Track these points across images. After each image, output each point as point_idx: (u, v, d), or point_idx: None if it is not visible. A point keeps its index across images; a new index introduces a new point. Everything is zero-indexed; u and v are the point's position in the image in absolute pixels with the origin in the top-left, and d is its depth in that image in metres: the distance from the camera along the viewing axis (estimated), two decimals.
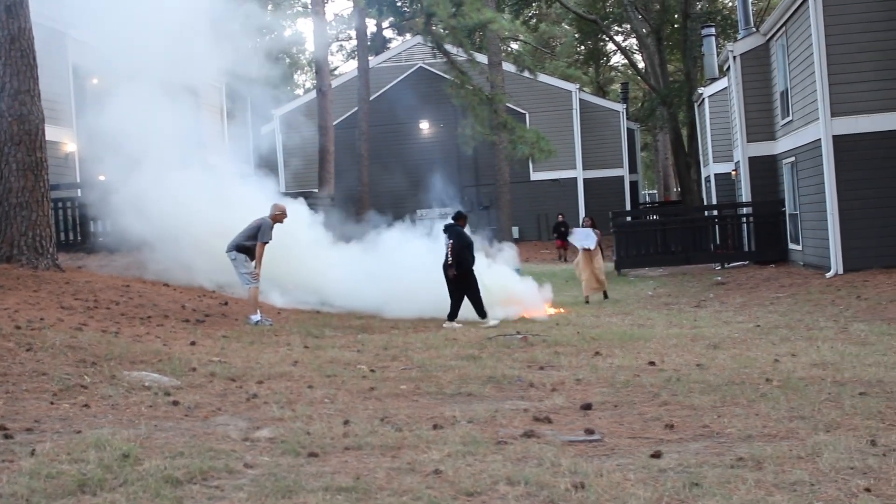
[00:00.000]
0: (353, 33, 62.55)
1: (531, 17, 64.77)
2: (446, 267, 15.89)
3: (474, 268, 16.06)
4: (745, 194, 28.12)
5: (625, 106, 50.87)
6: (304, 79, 79.85)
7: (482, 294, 16.03)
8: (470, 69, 36.37)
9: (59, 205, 21.45)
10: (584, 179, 46.12)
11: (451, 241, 15.80)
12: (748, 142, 27.46)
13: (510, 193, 41.28)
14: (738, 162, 28.97)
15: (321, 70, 34.81)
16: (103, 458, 6.19)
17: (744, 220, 27.94)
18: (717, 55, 37.86)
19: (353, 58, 64.14)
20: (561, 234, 36.83)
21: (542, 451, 6.56)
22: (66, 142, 24.48)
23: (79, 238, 21.81)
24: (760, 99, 27.30)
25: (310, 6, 42.18)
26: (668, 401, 8.40)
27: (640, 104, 63.20)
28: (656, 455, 6.39)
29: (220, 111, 34.17)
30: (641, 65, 58.87)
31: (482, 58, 40.43)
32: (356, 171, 37.25)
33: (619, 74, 75.44)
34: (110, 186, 19.00)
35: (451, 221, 16.23)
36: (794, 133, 23.84)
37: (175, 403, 8.39)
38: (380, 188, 40.17)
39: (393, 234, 18.71)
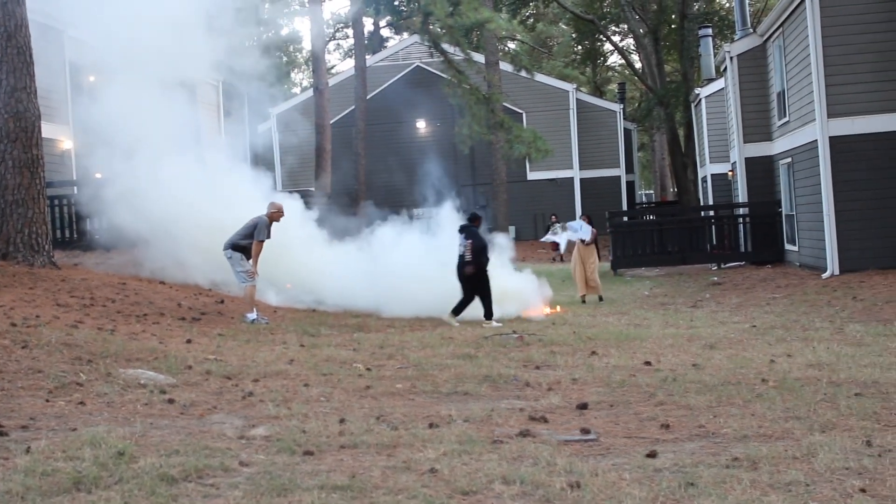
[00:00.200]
0: (350, 32, 62.49)
1: (528, 17, 64.79)
2: (462, 266, 15.97)
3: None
4: (741, 195, 28.13)
5: (622, 106, 50.86)
6: (301, 77, 79.84)
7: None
8: (467, 68, 36.39)
9: (56, 202, 21.42)
10: (581, 179, 46.13)
11: (468, 241, 15.93)
12: (745, 142, 27.47)
13: (507, 193, 41.30)
14: (735, 162, 28.98)
15: (318, 68, 34.81)
16: (99, 456, 6.19)
17: (740, 220, 27.97)
18: (714, 56, 37.86)
19: (350, 56, 64.09)
20: (562, 227, 36.76)
21: (538, 450, 6.56)
22: (63, 139, 24.46)
23: (75, 235, 21.79)
24: (757, 100, 27.33)
25: (307, 4, 42.16)
26: (664, 401, 8.41)
27: (637, 104, 63.18)
28: (652, 455, 6.40)
29: (217, 109, 34.16)
30: (638, 65, 58.86)
31: (479, 57, 40.48)
32: (353, 169, 37.29)
33: (616, 74, 75.46)
34: (106, 184, 18.98)
35: (467, 222, 16.41)
36: (791, 134, 23.86)
37: (171, 401, 8.39)
38: (376, 187, 40.16)
39: (389, 233, 18.68)
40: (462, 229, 16.28)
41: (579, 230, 20.86)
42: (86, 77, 24.28)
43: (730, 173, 32.70)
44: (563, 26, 66.83)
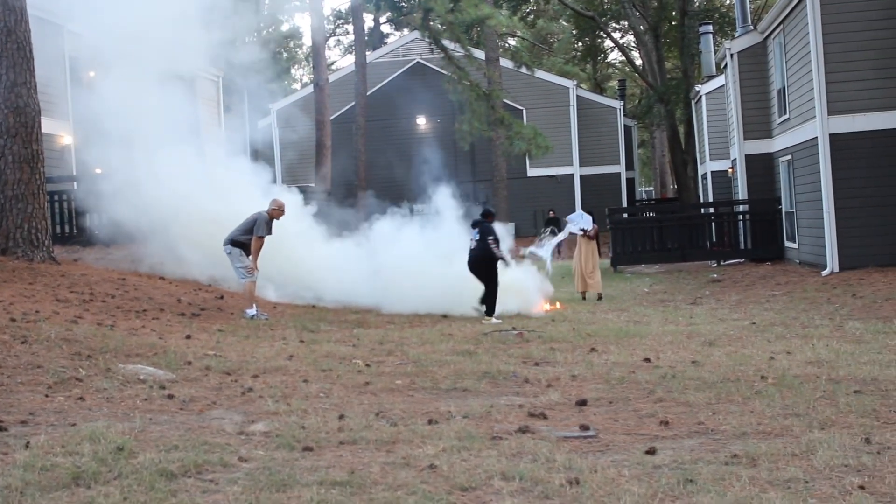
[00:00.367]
0: (350, 27, 62.47)
1: (529, 13, 64.75)
2: (477, 259, 16.06)
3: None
4: (741, 192, 28.13)
5: (622, 103, 50.83)
6: (302, 73, 79.81)
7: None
8: (467, 65, 36.36)
9: (55, 197, 21.41)
10: (581, 176, 46.10)
11: (490, 238, 16.09)
12: (745, 139, 27.47)
13: (507, 189, 41.31)
14: (735, 159, 28.97)
15: (318, 64, 34.78)
16: (98, 451, 6.19)
17: (740, 217, 27.97)
18: (715, 53, 37.84)
19: (351, 52, 64.05)
20: (551, 231, 36.67)
21: (537, 446, 6.57)
22: (63, 134, 24.45)
23: (74, 231, 21.79)
24: (757, 97, 27.31)
25: (307, 0, 42.10)
26: (663, 397, 8.41)
27: (637, 101, 63.15)
28: (651, 451, 6.40)
29: (217, 104, 34.15)
30: (639, 62, 58.86)
31: (480, 53, 40.48)
32: (353, 165, 37.27)
33: (616, 71, 75.45)
34: (106, 179, 18.97)
35: (482, 218, 16.54)
36: (791, 131, 23.85)
37: (170, 397, 8.40)
38: (376, 183, 40.14)
39: (389, 229, 18.66)
40: (475, 224, 16.44)
41: (580, 220, 20.62)
42: (86, 72, 24.27)
43: (730, 170, 32.69)
44: (564, 23, 66.78)
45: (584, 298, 20.16)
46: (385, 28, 65.50)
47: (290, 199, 18.27)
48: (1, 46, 16.03)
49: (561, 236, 20.50)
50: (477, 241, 16.16)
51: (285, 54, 73.85)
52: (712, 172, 36.74)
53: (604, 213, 29.89)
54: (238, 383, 9.21)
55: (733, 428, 7.12)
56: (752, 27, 29.43)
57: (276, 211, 15.55)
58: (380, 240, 18.44)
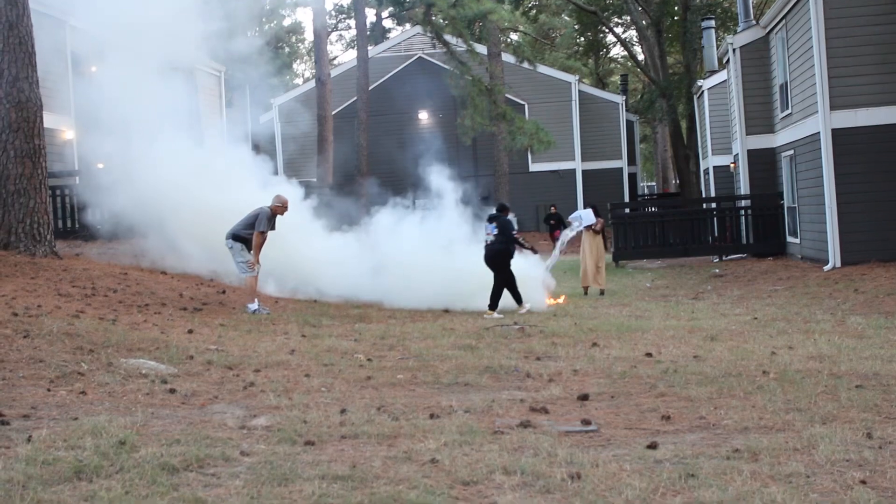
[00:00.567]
0: (352, 22, 62.43)
1: (531, 8, 64.69)
2: (495, 253, 16.12)
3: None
4: (743, 187, 28.11)
5: (624, 98, 50.82)
6: (304, 68, 79.78)
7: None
8: (469, 60, 36.39)
9: (57, 192, 21.42)
10: (583, 171, 46.07)
11: (513, 232, 16.31)
12: (747, 134, 27.43)
13: (509, 184, 41.30)
14: (737, 154, 28.96)
15: (320, 59, 34.79)
16: (100, 445, 6.19)
17: (742, 212, 27.94)
18: (717, 48, 37.80)
19: (353, 47, 64.07)
20: (552, 226, 36.67)
21: (539, 441, 6.57)
22: (65, 129, 24.45)
23: (76, 225, 21.79)
24: (760, 92, 27.28)
25: None
26: (665, 392, 8.41)
27: (639, 96, 63.11)
28: (652, 446, 6.40)
29: (219, 99, 34.15)
30: (641, 57, 58.79)
31: (482, 48, 40.45)
32: (355, 160, 37.27)
33: (618, 66, 75.38)
34: (108, 174, 18.97)
35: (498, 213, 16.64)
36: (793, 126, 23.83)
37: (172, 391, 8.40)
38: (378, 177, 40.14)
39: (391, 224, 18.65)
40: (491, 219, 16.52)
41: (581, 218, 20.54)
42: (87, 67, 24.28)
43: (732, 165, 32.66)
44: (566, 17, 66.73)
45: (585, 293, 20.15)
46: (387, 23, 65.46)
47: (290, 190, 18.30)
48: (3, 41, 16.03)
49: (568, 236, 20.43)
50: (496, 235, 16.20)
51: (287, 49, 73.81)
52: (714, 167, 36.71)
53: (606, 208, 29.87)
54: (240, 378, 9.22)
55: (735, 422, 7.12)
56: (754, 22, 29.39)
57: (280, 207, 15.53)
58: (381, 234, 18.43)
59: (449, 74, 37.57)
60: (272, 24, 68.53)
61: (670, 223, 28.85)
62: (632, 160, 51.03)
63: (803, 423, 7.06)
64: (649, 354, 10.69)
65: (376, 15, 60.92)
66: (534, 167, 45.70)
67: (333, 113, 36.69)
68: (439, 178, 18.69)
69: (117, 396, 8.14)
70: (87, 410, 7.50)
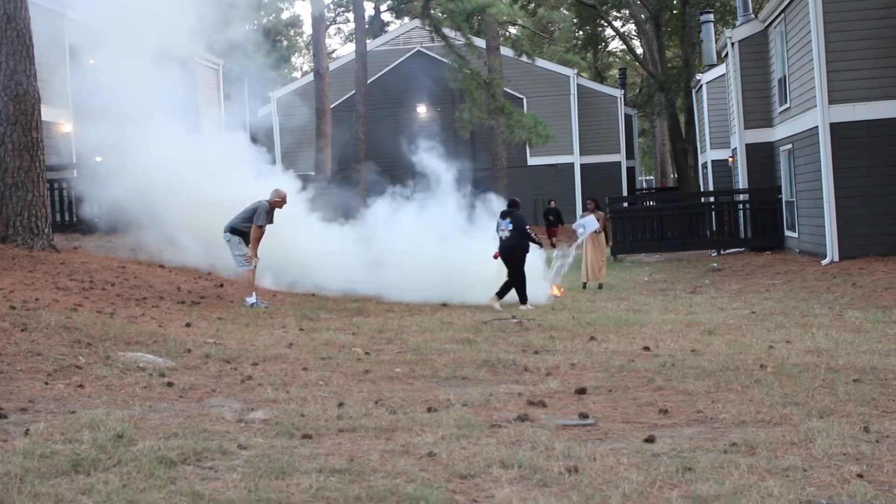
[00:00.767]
0: (350, 16, 62.33)
1: (529, 2, 64.52)
2: (511, 248, 16.18)
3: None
4: (741, 181, 28.13)
5: (622, 91, 50.75)
6: (302, 61, 79.71)
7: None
8: (468, 53, 36.36)
9: (55, 185, 21.40)
10: (581, 165, 46.03)
11: (527, 227, 16.43)
12: (745, 128, 27.45)
13: (507, 178, 41.25)
14: (736, 149, 28.97)
15: (318, 52, 34.74)
16: (97, 439, 6.20)
17: (740, 206, 27.97)
18: (716, 42, 37.78)
19: (351, 40, 63.95)
20: (550, 221, 36.61)
21: (536, 434, 6.57)
22: (63, 122, 24.43)
23: (74, 218, 21.78)
24: (758, 86, 27.28)
25: None
26: (663, 386, 8.41)
27: (637, 90, 63.04)
28: (650, 440, 6.40)
29: (217, 92, 34.11)
30: (640, 50, 58.76)
31: (480, 42, 40.41)
32: (353, 153, 37.22)
33: (617, 60, 75.37)
34: (106, 167, 18.96)
35: (510, 208, 16.68)
36: (792, 120, 23.83)
37: (170, 384, 8.40)
38: (376, 171, 40.07)
39: (390, 218, 18.64)
40: (504, 214, 16.56)
41: (585, 227, 20.43)
42: (86, 59, 24.25)
43: (730, 159, 32.68)
44: (565, 11, 66.68)
45: (584, 287, 20.17)
46: (386, 16, 65.36)
47: (287, 181, 18.30)
48: (1, 33, 16.00)
49: (577, 242, 20.39)
50: (510, 230, 16.24)
51: (285, 42, 73.74)
52: (713, 161, 36.72)
53: (604, 202, 29.89)
54: (237, 371, 9.22)
55: (732, 416, 7.13)
56: (753, 16, 29.39)
57: (279, 201, 15.52)
58: (379, 227, 18.41)
59: (447, 68, 37.54)
60: (270, 17, 68.49)
61: (668, 217, 28.88)
62: (630, 154, 50.99)
63: (800, 416, 7.07)
64: (647, 348, 10.69)
65: (375, 8, 60.82)
66: (532, 161, 45.66)
67: (332, 106, 36.64)
68: (437, 172, 18.68)
69: (115, 390, 8.14)
70: (84, 404, 7.50)
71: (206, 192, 17.47)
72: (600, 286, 20.15)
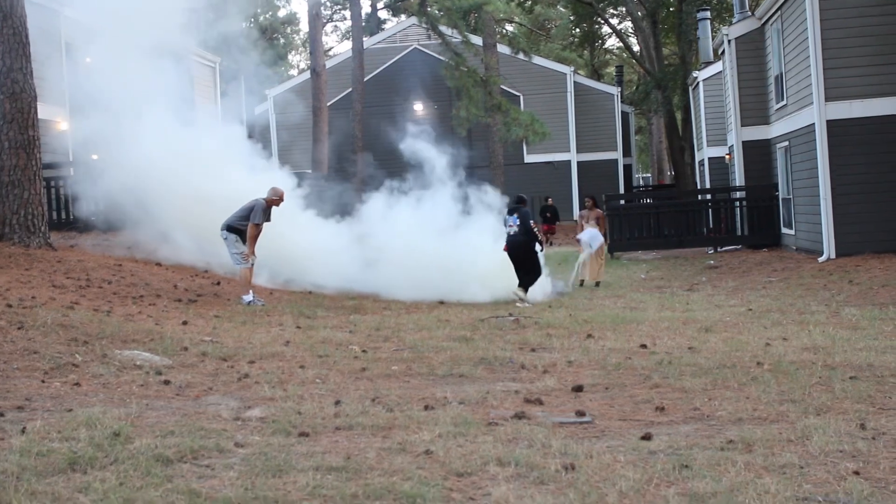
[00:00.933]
0: (347, 13, 62.30)
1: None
2: (520, 244, 16.33)
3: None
4: (738, 178, 28.13)
5: (619, 89, 50.76)
6: (299, 59, 79.66)
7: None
8: (465, 51, 36.31)
9: (52, 183, 21.37)
10: (578, 162, 46.04)
11: (520, 221, 16.43)
12: (742, 126, 27.46)
13: (504, 176, 41.24)
14: (732, 146, 28.97)
15: (315, 50, 34.71)
16: (94, 437, 6.19)
17: (737, 204, 27.97)
18: (712, 39, 37.81)
19: (348, 38, 63.94)
20: (547, 218, 36.58)
21: (533, 432, 6.57)
22: (59, 120, 24.39)
23: (71, 217, 21.76)
24: (755, 83, 27.29)
25: None
26: (659, 383, 8.42)
27: (634, 87, 63.10)
28: (646, 437, 6.40)
29: (214, 89, 34.07)
30: (636, 48, 58.81)
31: (477, 39, 40.39)
32: (350, 151, 37.20)
33: (613, 57, 75.37)
34: (102, 165, 18.93)
35: (516, 204, 16.85)
36: (788, 117, 23.84)
37: (166, 383, 8.40)
38: (373, 168, 40.04)
39: (387, 216, 18.63)
40: (511, 211, 16.70)
41: (591, 245, 20.29)
42: (82, 57, 24.22)
43: (727, 157, 32.69)
44: (562, 9, 66.66)
45: (581, 285, 20.17)
46: (382, 14, 65.34)
47: (282, 176, 18.29)
48: None
49: (588, 251, 20.35)
50: (518, 225, 16.38)
51: (282, 40, 73.68)
52: (709, 159, 36.73)
53: (601, 199, 29.89)
54: (234, 369, 9.21)
55: (729, 414, 7.13)
56: (749, 13, 29.41)
57: (276, 200, 15.50)
58: (375, 224, 18.41)
59: (444, 65, 37.50)
60: (267, 15, 68.42)
61: (665, 214, 28.88)
62: (627, 152, 50.99)
63: (797, 414, 7.07)
64: (644, 346, 10.70)
65: (371, 6, 60.80)
66: (529, 158, 45.66)
67: (329, 104, 36.62)
68: (434, 169, 18.69)
69: (112, 388, 8.14)
70: (81, 402, 7.49)
71: (201, 188, 17.46)
72: (597, 284, 20.16)
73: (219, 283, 16.38)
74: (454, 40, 36.72)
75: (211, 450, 6.06)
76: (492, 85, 36.87)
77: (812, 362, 9.24)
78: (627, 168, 50.83)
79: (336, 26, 75.32)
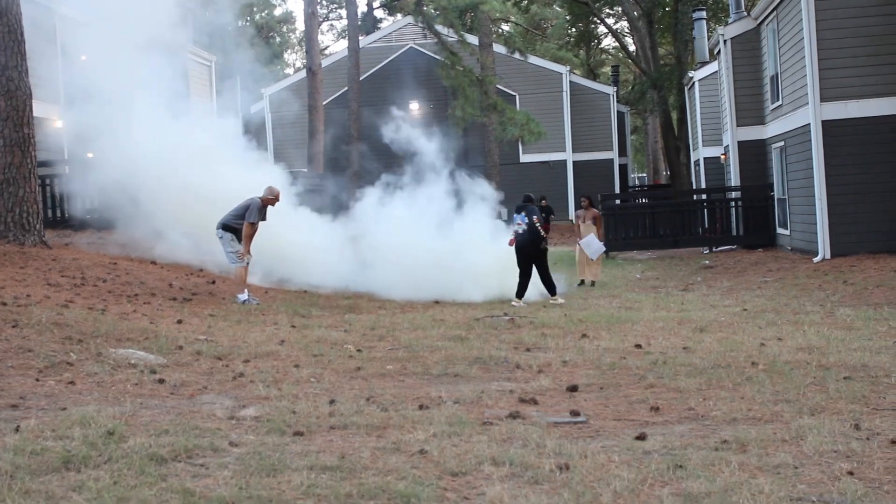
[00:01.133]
0: (343, 12, 62.25)
1: None
2: (528, 243, 16.43)
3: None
4: (733, 178, 28.16)
5: (615, 89, 50.79)
6: (294, 58, 79.60)
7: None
8: (461, 50, 36.32)
9: (47, 181, 21.34)
10: (574, 162, 46.05)
11: (529, 219, 16.55)
12: (738, 126, 27.48)
13: (499, 175, 41.24)
14: (728, 146, 29.00)
15: (311, 49, 34.68)
16: (88, 436, 6.18)
17: (732, 204, 27.98)
18: (708, 39, 37.81)
19: (344, 37, 63.86)
20: (542, 219, 36.57)
21: (528, 432, 6.57)
22: (54, 118, 24.36)
23: (66, 215, 21.72)
24: (750, 83, 27.31)
25: None
26: (654, 383, 8.42)
27: (630, 87, 63.12)
28: (641, 437, 6.41)
29: (210, 88, 34.04)
30: (632, 48, 58.82)
31: (473, 39, 40.36)
32: (346, 150, 37.18)
33: (609, 57, 75.39)
34: (98, 163, 18.90)
35: (524, 202, 17.01)
36: (784, 118, 23.86)
37: (161, 381, 8.39)
38: (368, 167, 40.05)
39: (382, 215, 18.62)
40: (520, 209, 16.79)
41: (592, 254, 20.28)
42: (77, 55, 24.18)
43: (722, 157, 32.71)
44: (558, 8, 66.67)
45: (580, 284, 20.19)
46: (378, 13, 65.34)
47: (277, 171, 18.28)
48: None
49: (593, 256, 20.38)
50: (527, 224, 16.47)
51: (278, 39, 73.63)
52: (705, 159, 36.76)
53: (596, 199, 29.89)
54: (229, 368, 9.21)
55: (723, 414, 7.14)
56: (745, 13, 29.43)
57: (272, 199, 15.49)
58: (370, 223, 18.39)
59: (440, 65, 37.50)
60: (263, 14, 68.36)
61: (661, 214, 28.89)
62: (622, 151, 51.04)
63: (791, 414, 7.08)
64: (639, 346, 10.70)
65: (367, 5, 60.83)
66: (524, 158, 45.67)
67: (324, 103, 36.60)
68: (429, 168, 18.69)
69: (106, 386, 8.13)
70: (75, 400, 7.48)
71: (197, 185, 17.44)
72: (593, 283, 20.18)
73: (214, 282, 16.36)
74: (450, 39, 36.72)
75: (205, 449, 6.05)
76: (488, 84, 36.87)
77: (807, 362, 9.25)
78: (623, 168, 50.87)
79: (332, 25, 75.31)
